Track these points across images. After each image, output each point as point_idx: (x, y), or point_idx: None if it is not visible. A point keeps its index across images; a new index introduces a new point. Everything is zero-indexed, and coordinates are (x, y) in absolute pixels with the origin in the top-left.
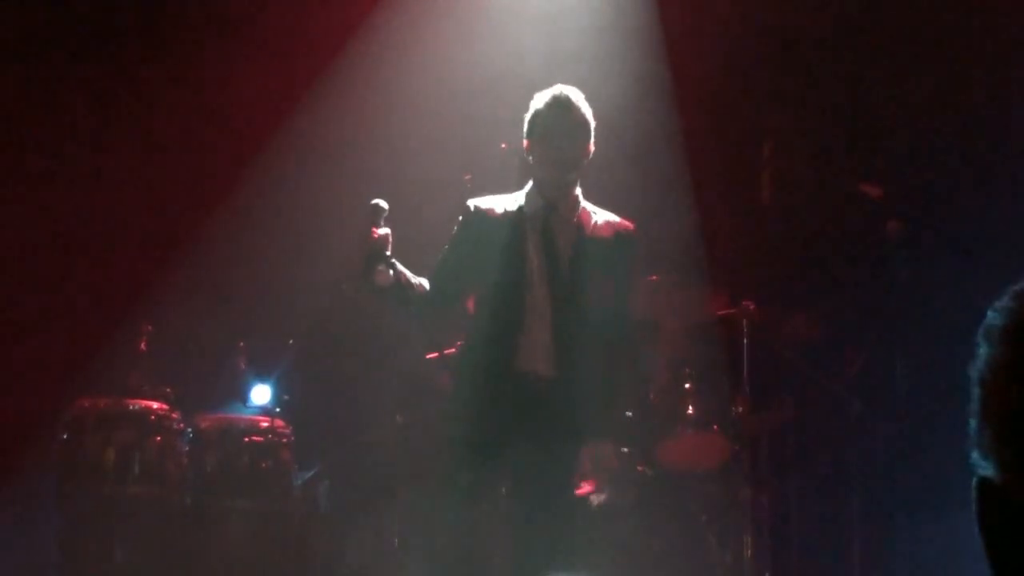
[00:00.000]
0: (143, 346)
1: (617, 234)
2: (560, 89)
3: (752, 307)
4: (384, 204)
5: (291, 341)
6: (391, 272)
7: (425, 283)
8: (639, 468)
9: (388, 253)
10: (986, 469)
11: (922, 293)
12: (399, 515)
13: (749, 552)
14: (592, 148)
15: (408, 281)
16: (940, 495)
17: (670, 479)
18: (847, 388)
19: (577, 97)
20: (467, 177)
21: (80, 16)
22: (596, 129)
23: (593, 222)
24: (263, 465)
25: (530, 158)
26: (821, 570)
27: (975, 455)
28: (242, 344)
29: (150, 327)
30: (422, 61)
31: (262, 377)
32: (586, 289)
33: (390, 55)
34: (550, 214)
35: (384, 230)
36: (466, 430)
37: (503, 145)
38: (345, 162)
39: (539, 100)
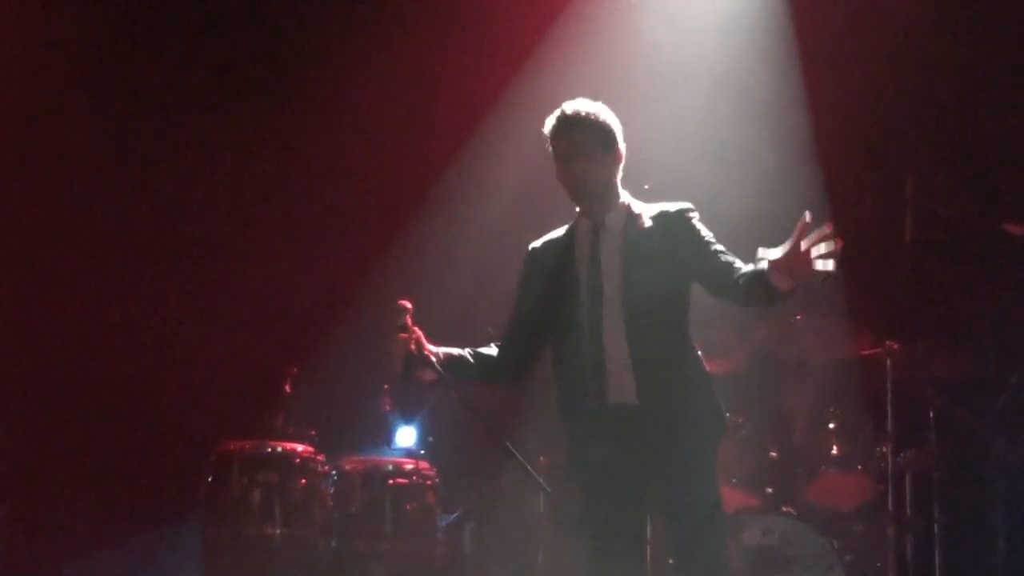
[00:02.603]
0: (288, 388)
1: (667, 218)
2: (564, 107)
3: (896, 346)
4: (406, 305)
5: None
6: (431, 368)
7: (470, 352)
8: (784, 508)
9: (417, 352)
10: None
11: None
12: (544, 556)
13: None
14: (622, 152)
15: (454, 363)
16: None
17: (815, 519)
18: (992, 426)
19: (585, 109)
20: (646, 187)
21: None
22: (631, 141)
23: (642, 223)
24: (408, 507)
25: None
26: None
27: None
28: (387, 386)
29: (295, 369)
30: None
31: (407, 419)
32: (656, 290)
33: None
34: (598, 235)
35: (407, 333)
36: (587, 478)
37: (646, 187)
38: (486, 224)
39: (548, 123)
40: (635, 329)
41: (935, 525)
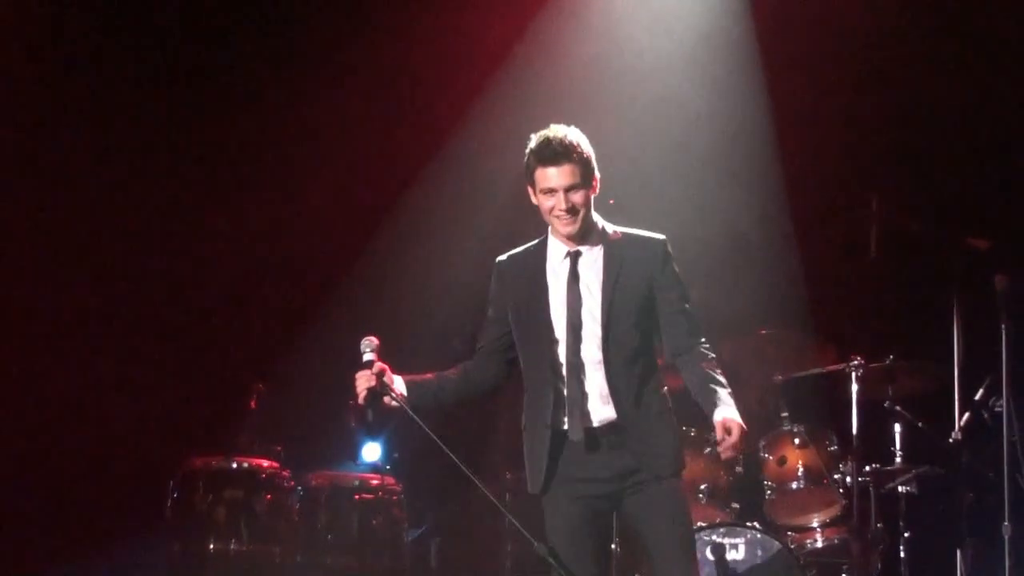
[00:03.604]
0: (253, 404)
1: (646, 248)
2: (548, 130)
3: (861, 361)
4: (373, 340)
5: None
6: (391, 399)
7: (433, 377)
8: (750, 523)
9: (379, 386)
10: None
11: None
12: (509, 571)
13: None
14: (597, 181)
15: (422, 392)
16: None
17: (781, 533)
18: (957, 441)
19: (568, 134)
20: (611, 202)
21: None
22: (598, 160)
23: (621, 251)
24: (373, 522)
25: (535, 203)
26: None
27: None
28: (352, 402)
29: (261, 385)
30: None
31: (372, 435)
32: (632, 318)
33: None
34: (576, 260)
35: (371, 367)
36: (553, 498)
37: (611, 201)
38: (451, 240)
39: (531, 144)
40: (612, 356)
41: (901, 539)
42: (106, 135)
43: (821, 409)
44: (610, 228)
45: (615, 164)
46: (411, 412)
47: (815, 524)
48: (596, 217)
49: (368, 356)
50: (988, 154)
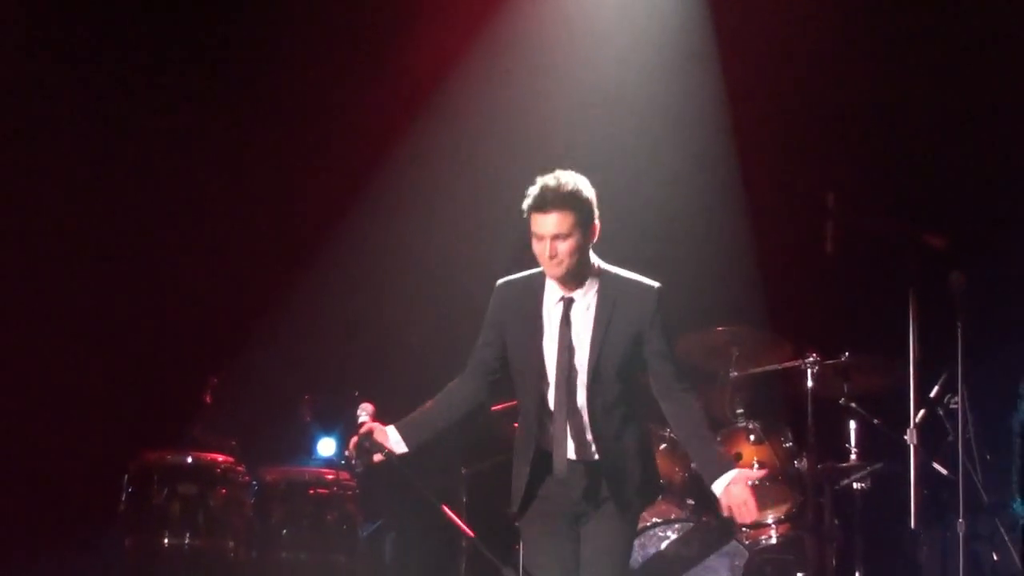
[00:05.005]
0: (208, 398)
1: (639, 298)
2: (548, 176)
3: (816, 357)
4: (367, 407)
5: (356, 393)
6: (379, 452)
7: (418, 414)
8: (704, 518)
9: (367, 443)
10: None
11: (983, 344)
12: (464, 567)
13: None
14: (596, 229)
15: (415, 434)
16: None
17: (735, 529)
18: (912, 438)
19: (565, 182)
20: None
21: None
22: (599, 198)
23: (614, 299)
24: (328, 517)
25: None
26: None
27: (1018, 504)
28: (307, 396)
29: (215, 379)
30: (495, 130)
31: (328, 430)
32: (617, 367)
33: (464, 121)
34: (569, 306)
35: (362, 428)
36: (530, 521)
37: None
38: (408, 234)
39: (532, 197)
40: (596, 402)
41: (855, 535)
42: (71, 137)
43: (776, 405)
44: (608, 269)
45: (574, 158)
46: (399, 466)
47: (770, 520)
48: (593, 259)
49: (362, 418)
50: (944, 152)
